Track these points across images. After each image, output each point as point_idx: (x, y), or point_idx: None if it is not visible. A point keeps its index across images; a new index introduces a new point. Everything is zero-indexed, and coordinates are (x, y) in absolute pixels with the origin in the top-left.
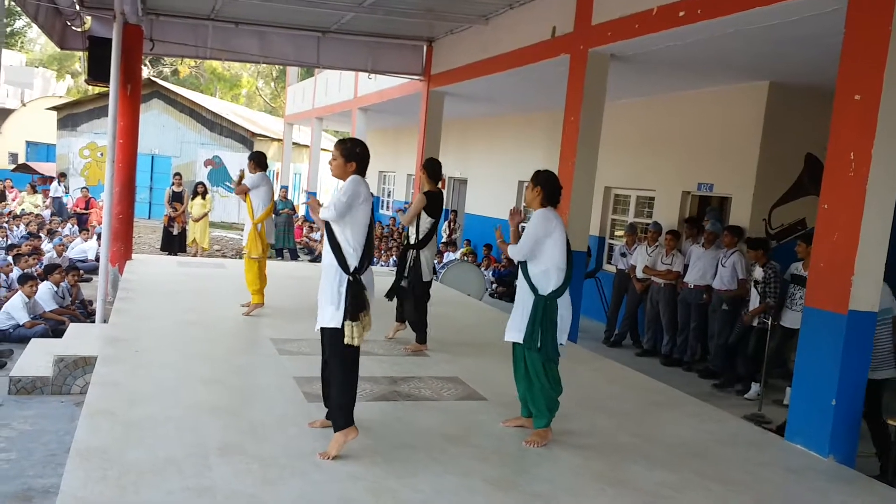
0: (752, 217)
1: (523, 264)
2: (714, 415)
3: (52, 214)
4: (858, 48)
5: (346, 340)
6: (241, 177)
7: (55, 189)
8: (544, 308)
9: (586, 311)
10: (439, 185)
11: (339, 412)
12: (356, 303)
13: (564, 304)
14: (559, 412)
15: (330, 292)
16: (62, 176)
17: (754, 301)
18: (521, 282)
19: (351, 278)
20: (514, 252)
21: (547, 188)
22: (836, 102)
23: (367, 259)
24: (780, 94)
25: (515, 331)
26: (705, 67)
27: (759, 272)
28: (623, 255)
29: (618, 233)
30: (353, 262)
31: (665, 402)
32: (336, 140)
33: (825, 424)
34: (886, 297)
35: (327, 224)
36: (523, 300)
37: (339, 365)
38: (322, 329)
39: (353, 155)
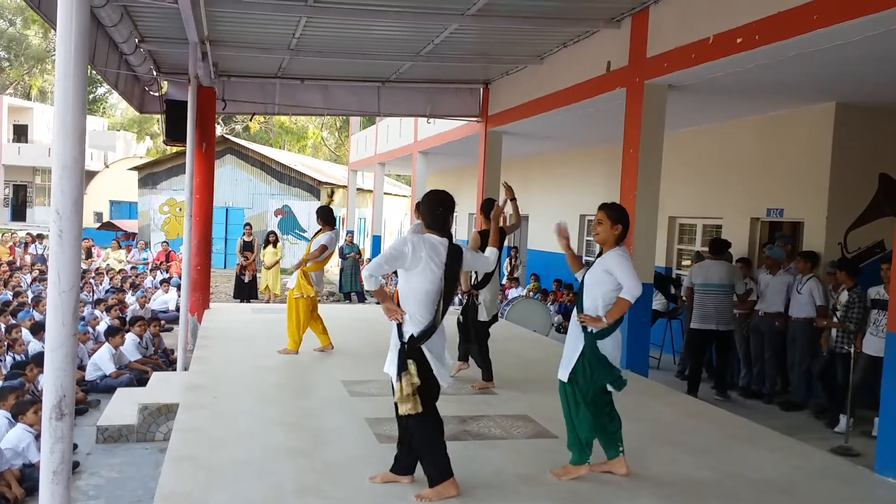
0: (826, 241)
1: (580, 301)
2: (799, 449)
3: (132, 268)
4: None
5: (396, 397)
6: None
7: (136, 254)
8: (592, 347)
9: (657, 343)
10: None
11: (433, 467)
12: (400, 364)
13: (613, 344)
14: (635, 448)
15: (392, 341)
16: (145, 244)
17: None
18: (573, 320)
19: (403, 346)
20: (635, 293)
21: (627, 227)
22: None
23: (430, 331)
24: (847, 115)
25: (563, 369)
26: (768, 92)
27: (844, 296)
28: None
29: (685, 263)
30: (408, 330)
31: (746, 437)
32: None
33: None
34: None
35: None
36: (573, 338)
37: (413, 420)
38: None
39: (418, 206)
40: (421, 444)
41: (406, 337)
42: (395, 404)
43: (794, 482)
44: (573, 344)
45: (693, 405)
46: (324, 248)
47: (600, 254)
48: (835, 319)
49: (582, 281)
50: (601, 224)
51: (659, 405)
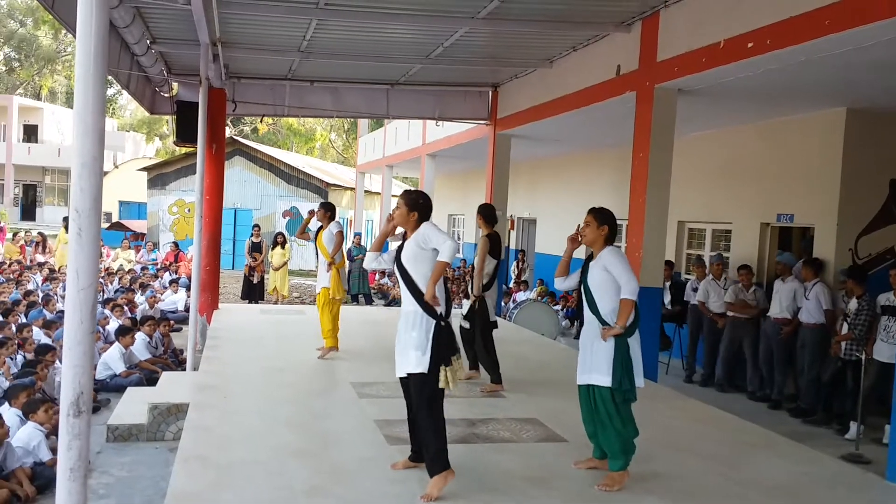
0: (837, 247)
1: (592, 305)
2: (809, 455)
3: (143, 268)
4: None
5: (441, 384)
6: (309, 220)
7: (145, 255)
8: (621, 347)
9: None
10: (508, 227)
11: (436, 458)
12: (448, 348)
13: (636, 341)
14: (643, 453)
15: (417, 338)
16: (153, 245)
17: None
18: (590, 322)
19: (441, 324)
20: (633, 287)
21: (613, 227)
22: None
23: (449, 304)
24: (858, 121)
25: (599, 374)
26: (779, 97)
27: (853, 304)
28: (695, 289)
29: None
30: (440, 308)
31: (756, 443)
32: (403, 190)
33: None
34: None
35: (404, 272)
36: (595, 341)
37: (426, 410)
38: (407, 375)
39: (416, 205)
40: (433, 434)
41: (440, 313)
42: (409, 405)
43: (804, 489)
44: (606, 350)
45: (702, 410)
46: (341, 234)
47: (590, 257)
48: (845, 327)
49: (585, 286)
50: (588, 226)
51: (668, 409)
